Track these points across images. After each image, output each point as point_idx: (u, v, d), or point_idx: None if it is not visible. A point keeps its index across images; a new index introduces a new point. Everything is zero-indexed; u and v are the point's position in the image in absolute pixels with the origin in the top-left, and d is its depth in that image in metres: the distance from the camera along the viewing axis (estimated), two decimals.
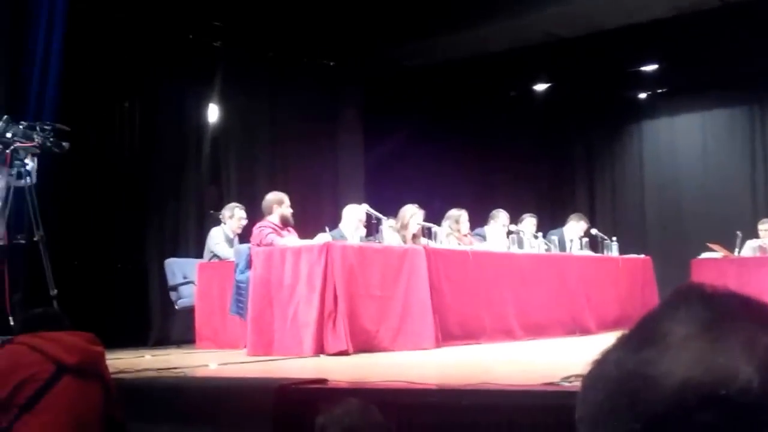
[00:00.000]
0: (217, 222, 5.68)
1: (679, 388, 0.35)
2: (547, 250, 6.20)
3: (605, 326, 5.77)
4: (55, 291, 3.96)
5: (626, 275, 6.48)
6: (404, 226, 5.25)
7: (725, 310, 0.37)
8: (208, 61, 6.60)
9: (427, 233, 5.29)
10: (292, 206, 5.04)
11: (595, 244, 6.64)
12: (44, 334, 2.46)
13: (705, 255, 6.85)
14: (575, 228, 6.55)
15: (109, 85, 6.08)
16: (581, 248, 6.45)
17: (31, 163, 4.04)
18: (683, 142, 8.76)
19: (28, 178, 4.02)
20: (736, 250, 6.70)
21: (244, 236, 5.35)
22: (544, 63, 7.78)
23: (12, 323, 3.76)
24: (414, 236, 5.27)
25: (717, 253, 6.79)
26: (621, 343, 0.40)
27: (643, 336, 0.38)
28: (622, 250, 6.67)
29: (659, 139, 8.99)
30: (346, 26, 6.89)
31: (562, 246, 6.26)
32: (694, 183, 8.49)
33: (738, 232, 6.68)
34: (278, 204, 4.86)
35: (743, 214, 7.54)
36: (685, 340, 0.36)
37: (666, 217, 8.59)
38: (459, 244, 5.49)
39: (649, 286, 6.69)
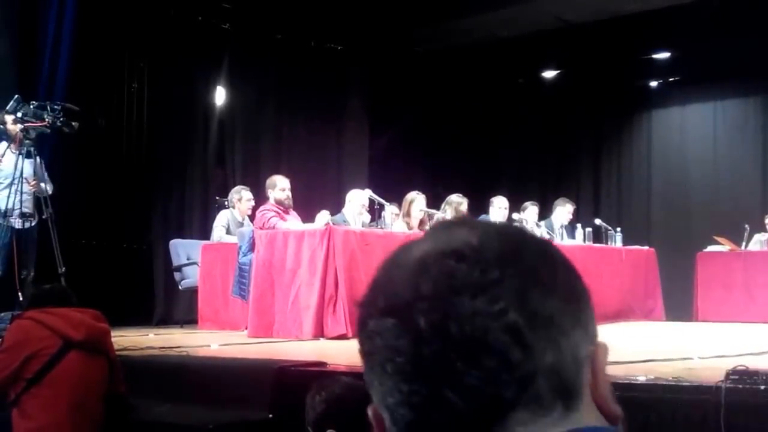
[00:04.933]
0: (222, 207, 5.74)
1: (414, 260, 0.44)
2: (549, 239, 6.21)
3: (606, 317, 5.78)
4: (63, 269, 4.04)
5: (629, 266, 6.47)
6: (407, 213, 5.27)
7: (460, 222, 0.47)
8: (216, 43, 6.62)
9: (429, 219, 5.32)
10: (296, 190, 5.07)
11: (598, 234, 6.62)
12: (52, 310, 2.54)
13: (711, 248, 6.81)
14: (562, 213, 6.48)
15: (119, 66, 6.12)
16: (571, 234, 6.39)
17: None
18: (693, 132, 8.66)
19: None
20: (743, 243, 6.64)
21: (254, 218, 5.40)
22: (554, 49, 7.71)
23: (21, 299, 3.85)
24: (421, 222, 5.29)
25: (723, 246, 6.74)
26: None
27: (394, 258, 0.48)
28: (627, 241, 6.65)
29: (669, 128, 8.89)
30: (354, 10, 6.86)
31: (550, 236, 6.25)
32: (703, 174, 8.39)
33: (746, 225, 6.62)
34: (271, 188, 4.91)
35: (752, 207, 7.45)
36: (423, 240, 0.47)
37: (673, 208, 8.52)
38: None
39: (652, 278, 6.67)
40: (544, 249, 0.46)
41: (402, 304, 0.42)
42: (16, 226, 4.17)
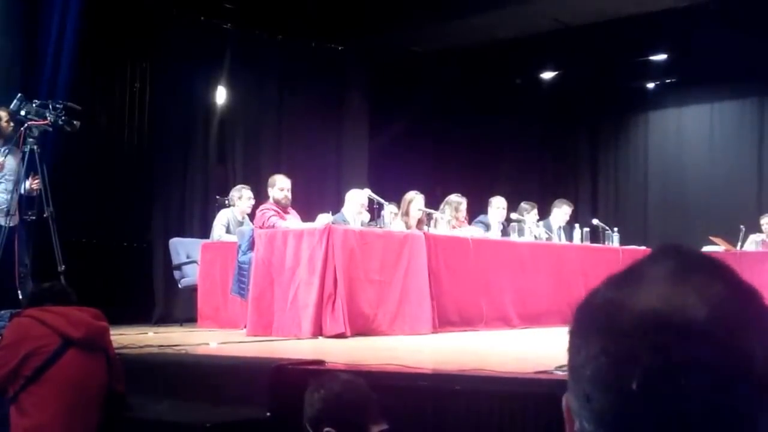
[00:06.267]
0: (222, 206, 5.76)
1: (641, 313, 0.44)
2: (548, 239, 6.23)
3: None
4: (63, 267, 4.05)
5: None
6: (406, 213, 5.30)
7: (690, 263, 0.47)
8: (217, 42, 6.64)
9: (428, 219, 5.34)
10: (296, 189, 5.09)
11: (596, 235, 6.65)
12: (51, 309, 2.55)
13: (707, 248, 6.83)
14: (560, 214, 6.53)
15: (121, 65, 6.14)
16: (569, 234, 6.42)
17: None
18: (690, 133, 8.71)
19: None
20: (739, 244, 6.69)
21: (253, 217, 5.42)
22: (552, 51, 7.75)
23: (20, 297, 3.87)
24: (419, 221, 5.31)
25: (719, 247, 6.78)
26: (606, 283, 0.48)
27: (625, 277, 0.48)
28: (624, 242, 6.68)
29: (666, 130, 8.94)
30: (354, 10, 6.89)
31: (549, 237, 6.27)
32: (699, 175, 8.45)
33: (741, 226, 6.66)
34: (270, 187, 4.94)
35: (748, 208, 7.52)
36: (656, 280, 0.45)
37: (669, 209, 8.57)
38: (454, 229, 5.53)
39: None
40: None
41: (619, 351, 0.44)
42: (10, 224, 4.19)
